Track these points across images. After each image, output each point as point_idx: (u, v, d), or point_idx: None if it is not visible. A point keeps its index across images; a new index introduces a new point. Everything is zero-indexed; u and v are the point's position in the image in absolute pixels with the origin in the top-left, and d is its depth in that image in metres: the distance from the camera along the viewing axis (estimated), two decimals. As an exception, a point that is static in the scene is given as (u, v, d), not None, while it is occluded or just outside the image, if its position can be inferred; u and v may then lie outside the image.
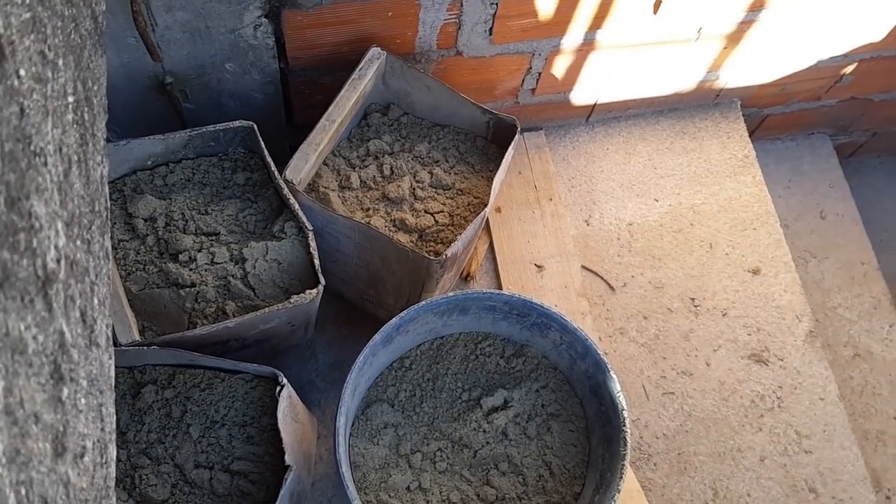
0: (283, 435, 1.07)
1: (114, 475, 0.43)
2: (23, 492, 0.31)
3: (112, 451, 0.44)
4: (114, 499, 0.42)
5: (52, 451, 0.34)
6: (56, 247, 0.37)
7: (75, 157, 0.42)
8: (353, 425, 1.20)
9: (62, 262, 0.38)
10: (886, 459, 1.66)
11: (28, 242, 0.34)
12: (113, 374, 0.45)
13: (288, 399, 1.11)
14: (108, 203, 0.48)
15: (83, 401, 0.39)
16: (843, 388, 1.65)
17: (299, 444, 1.16)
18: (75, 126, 0.43)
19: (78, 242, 0.41)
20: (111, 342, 0.45)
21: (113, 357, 0.46)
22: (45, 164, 0.37)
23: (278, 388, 1.09)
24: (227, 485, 1.12)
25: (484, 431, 1.19)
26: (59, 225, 0.38)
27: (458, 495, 1.16)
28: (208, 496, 1.12)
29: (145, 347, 1.08)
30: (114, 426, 0.45)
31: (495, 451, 1.18)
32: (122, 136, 1.32)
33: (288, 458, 1.05)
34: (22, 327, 0.33)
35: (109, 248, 0.47)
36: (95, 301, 0.43)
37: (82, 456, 0.38)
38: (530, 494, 1.16)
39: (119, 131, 1.32)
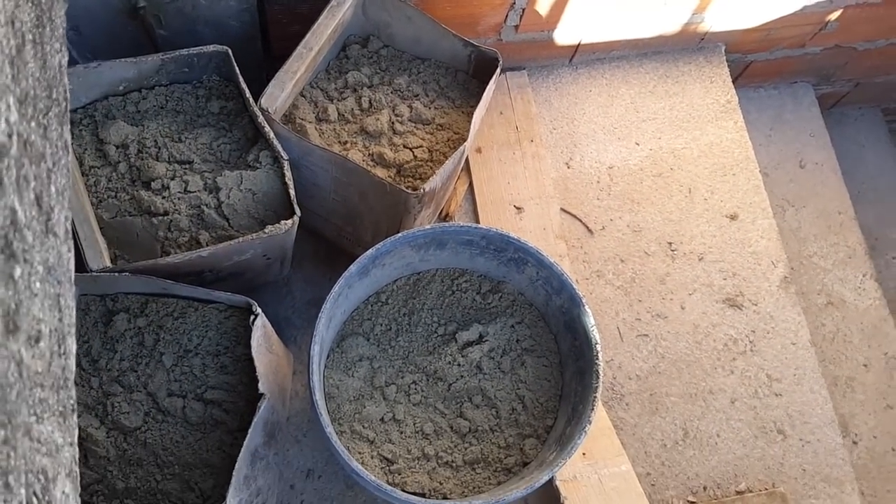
0: (256, 364, 1.06)
1: (73, 367, 0.42)
2: (-29, 362, 0.30)
3: (71, 344, 0.43)
4: (73, 390, 0.42)
5: (2, 326, 0.34)
6: (7, 121, 0.36)
7: (30, 36, 0.41)
8: (328, 357, 1.20)
9: (13, 137, 0.37)
10: (854, 405, 1.69)
11: (-24, 111, 0.33)
12: (72, 266, 0.44)
13: (262, 328, 1.10)
14: (68, 95, 0.47)
15: (38, 285, 0.38)
16: (814, 336, 1.68)
17: (274, 376, 1.16)
18: (30, 4, 0.41)
19: (33, 124, 0.40)
20: (70, 235, 0.44)
21: (72, 250, 0.45)
22: (-5, 31, 0.35)
23: (252, 317, 1.08)
24: (201, 413, 1.11)
25: (458, 365, 1.19)
26: (11, 99, 0.37)
27: (432, 427, 1.16)
28: (181, 424, 1.11)
29: (117, 274, 1.06)
30: (73, 319, 0.44)
31: (469, 385, 1.18)
32: (93, 59, 1.28)
33: (262, 387, 1.05)
34: (-31, 195, 0.32)
35: (69, 140, 0.46)
36: (52, 189, 0.42)
37: (37, 340, 0.38)
38: (503, 427, 1.17)
39: (90, 56, 1.28)
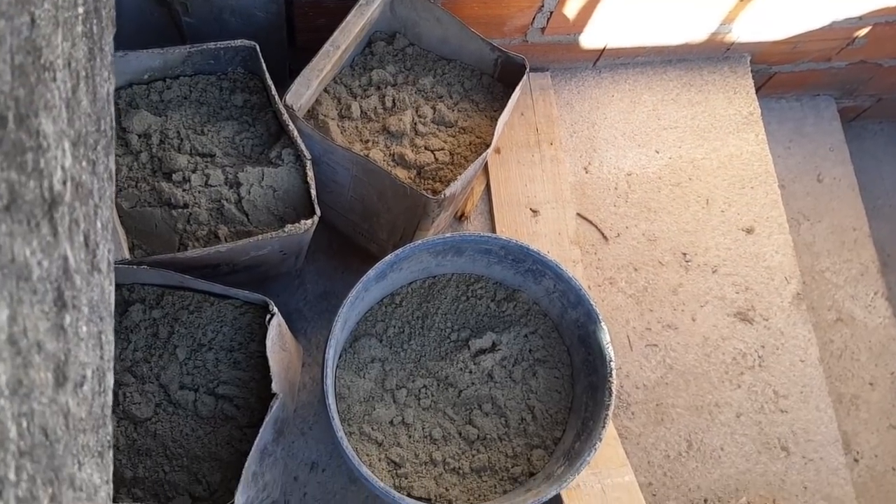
0: (271, 363, 1.06)
1: (111, 403, 0.42)
2: (24, 423, 0.30)
3: (110, 379, 0.43)
4: (110, 427, 0.42)
5: (53, 380, 0.33)
6: (63, 167, 0.36)
7: (83, 73, 0.40)
8: (340, 357, 1.20)
9: (68, 183, 0.36)
10: (858, 423, 1.70)
11: (35, 163, 0.32)
12: (113, 300, 0.44)
13: (277, 327, 1.10)
14: (114, 122, 0.46)
15: (84, 328, 0.38)
16: (822, 352, 1.68)
17: (286, 373, 1.16)
18: (84, 39, 0.40)
19: (84, 163, 0.40)
20: (112, 267, 0.44)
21: (113, 283, 0.44)
22: (55, 79, 0.35)
23: (268, 317, 1.08)
24: (212, 408, 1.12)
25: (470, 372, 1.19)
26: (66, 144, 0.36)
27: (441, 432, 1.17)
28: (192, 417, 1.12)
29: (135, 266, 1.06)
30: (112, 353, 0.44)
31: (480, 392, 1.18)
32: (118, 47, 1.27)
33: (275, 386, 1.05)
34: (27, 252, 0.31)
35: (113, 170, 0.45)
36: (98, 224, 0.42)
37: (82, 385, 0.37)
38: (511, 436, 1.17)
39: (115, 43, 1.27)
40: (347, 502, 1.38)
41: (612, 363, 1.07)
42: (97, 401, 0.40)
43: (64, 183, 0.36)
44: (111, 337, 0.44)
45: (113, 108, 0.46)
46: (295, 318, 1.48)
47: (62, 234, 0.35)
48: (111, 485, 0.42)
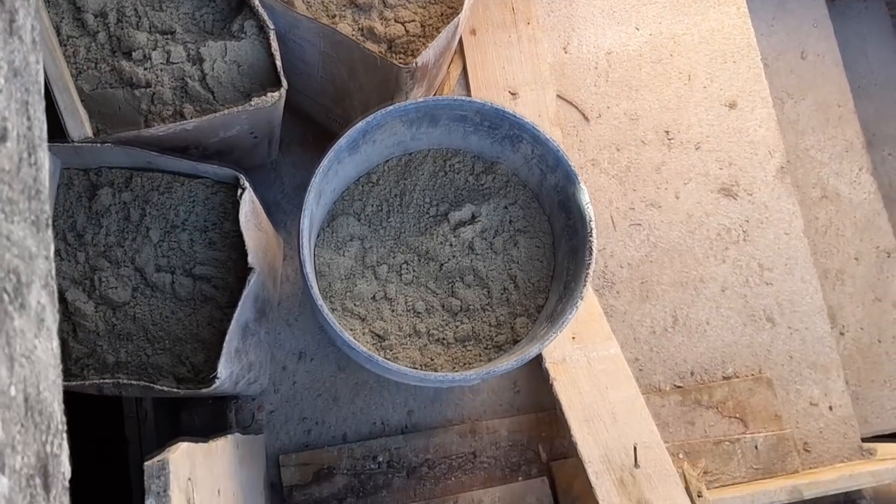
0: (245, 238, 1.05)
1: (45, 182, 0.40)
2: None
3: (43, 160, 0.41)
4: (47, 206, 0.40)
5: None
6: None
7: None
8: (318, 237, 1.18)
9: None
10: (844, 297, 1.70)
11: None
12: (41, 80, 0.42)
13: (250, 203, 1.08)
14: None
15: (2, 80, 0.35)
16: (807, 229, 1.67)
17: (263, 253, 1.14)
18: None
19: None
20: (38, 48, 0.41)
21: (41, 63, 0.42)
22: None
23: (240, 191, 1.06)
24: (190, 289, 1.10)
25: (450, 245, 1.18)
26: None
27: (424, 305, 1.16)
28: (171, 300, 1.11)
29: (99, 144, 1.03)
30: (44, 135, 0.41)
31: (461, 264, 1.17)
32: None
33: (251, 259, 1.04)
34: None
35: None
36: (16, -12, 0.39)
37: (3, 138, 0.35)
38: (494, 306, 1.17)
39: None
40: (337, 388, 1.38)
41: (591, 223, 1.06)
42: (26, 169, 0.38)
43: None
44: (42, 115, 0.41)
45: None
46: (273, 212, 1.46)
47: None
48: (52, 263, 0.40)
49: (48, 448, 0.37)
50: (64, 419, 0.40)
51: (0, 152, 0.34)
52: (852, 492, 1.43)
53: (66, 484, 0.39)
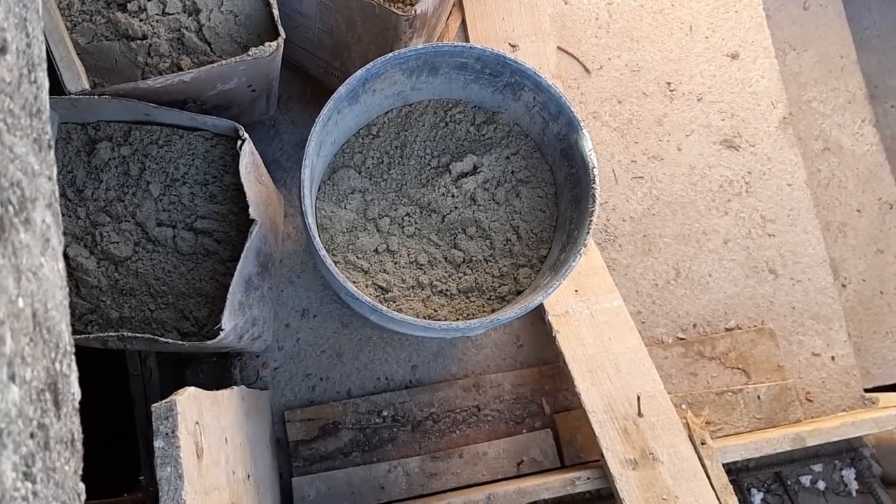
0: (246, 190, 1.04)
1: (46, 103, 0.40)
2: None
3: (43, 80, 0.40)
4: (48, 126, 0.39)
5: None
6: None
7: None
8: (319, 190, 1.17)
9: None
10: (846, 250, 1.70)
11: None
12: (39, 5, 0.40)
13: (250, 154, 1.07)
14: None
15: (-1, -9, 0.35)
16: (810, 181, 1.66)
17: (265, 206, 1.14)
18: None
19: None
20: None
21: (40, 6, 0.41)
22: None
23: (239, 143, 1.05)
24: (192, 243, 1.10)
25: (452, 196, 1.17)
26: None
27: (426, 257, 1.16)
28: (172, 254, 1.10)
29: (97, 97, 1.02)
30: (43, 56, 0.41)
31: (463, 216, 1.17)
32: None
33: (253, 213, 1.03)
34: None
35: None
36: None
37: (3, 50, 0.34)
38: (497, 257, 1.16)
39: None
40: (341, 344, 1.39)
41: (594, 170, 1.05)
42: (26, 86, 0.37)
43: None
44: (40, 35, 0.40)
45: None
46: (273, 169, 1.45)
47: None
48: (55, 185, 0.40)
49: (57, 366, 0.36)
50: (72, 341, 0.40)
51: (0, 64, 0.33)
52: (854, 440, 1.44)
53: (77, 405, 0.39)
